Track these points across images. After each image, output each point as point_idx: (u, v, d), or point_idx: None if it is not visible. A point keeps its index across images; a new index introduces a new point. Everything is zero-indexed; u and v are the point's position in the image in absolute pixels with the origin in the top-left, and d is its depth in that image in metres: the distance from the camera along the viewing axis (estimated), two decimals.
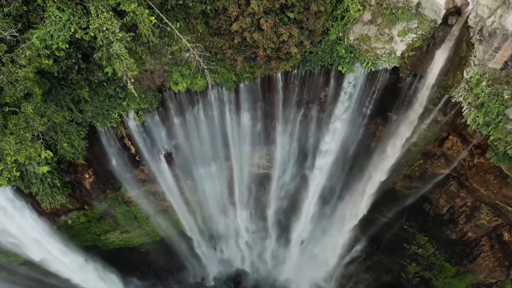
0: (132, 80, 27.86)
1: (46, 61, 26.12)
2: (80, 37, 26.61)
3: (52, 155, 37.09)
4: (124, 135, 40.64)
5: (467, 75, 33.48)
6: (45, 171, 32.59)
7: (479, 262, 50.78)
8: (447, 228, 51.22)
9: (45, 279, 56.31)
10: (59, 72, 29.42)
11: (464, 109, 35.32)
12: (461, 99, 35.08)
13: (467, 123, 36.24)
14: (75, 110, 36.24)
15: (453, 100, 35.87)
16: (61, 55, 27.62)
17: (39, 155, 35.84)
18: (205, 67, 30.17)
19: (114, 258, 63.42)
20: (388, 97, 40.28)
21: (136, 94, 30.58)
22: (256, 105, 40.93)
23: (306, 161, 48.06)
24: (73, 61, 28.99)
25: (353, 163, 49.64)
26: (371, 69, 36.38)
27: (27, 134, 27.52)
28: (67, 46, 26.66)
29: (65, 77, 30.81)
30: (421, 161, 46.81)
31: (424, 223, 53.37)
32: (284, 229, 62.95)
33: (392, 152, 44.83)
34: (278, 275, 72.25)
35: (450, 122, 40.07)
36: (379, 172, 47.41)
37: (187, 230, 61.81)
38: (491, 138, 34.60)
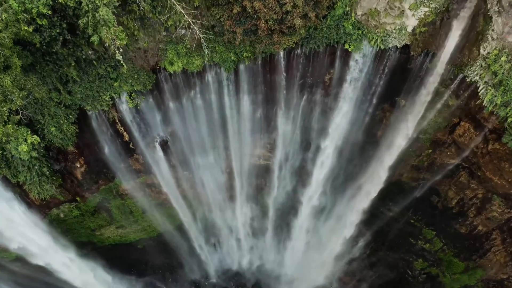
0: (121, 50, 24.90)
1: (26, 27, 23.23)
2: (63, 3, 23.62)
3: (39, 141, 34.11)
4: (117, 120, 37.70)
5: (484, 51, 30.65)
6: (27, 154, 29.44)
7: (490, 257, 47.88)
8: (456, 222, 48.29)
9: (38, 276, 52.88)
10: (42, 44, 26.52)
11: (480, 89, 32.53)
12: (476, 78, 32.24)
13: (482, 105, 33.49)
14: (63, 91, 33.36)
15: (467, 80, 33.08)
16: (44, 23, 24.78)
17: (25, 140, 32.92)
18: (201, 35, 27.11)
19: (110, 255, 60.23)
20: (397, 80, 37.43)
21: (125, 66, 27.76)
22: (256, 88, 38.05)
23: (309, 151, 45.05)
24: (57, 31, 26.09)
25: (358, 153, 46.54)
26: (379, 47, 33.54)
27: (4, 108, 24.39)
28: (49, 12, 23.77)
29: (50, 51, 27.90)
30: (430, 150, 43.85)
31: (431, 216, 50.36)
32: (286, 225, 59.94)
33: (399, 141, 41.73)
34: (280, 273, 69.02)
35: (462, 106, 37.17)
36: (385, 163, 44.32)
37: (185, 225, 58.67)
38: (509, 120, 31.57)
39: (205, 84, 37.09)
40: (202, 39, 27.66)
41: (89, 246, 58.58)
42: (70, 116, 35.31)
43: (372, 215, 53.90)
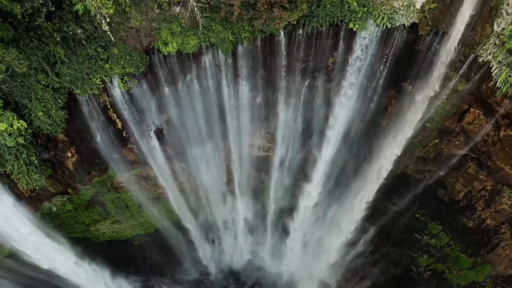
0: (108, 20, 22.54)
1: None
2: None
3: (26, 126, 31.88)
4: (108, 106, 35.39)
5: (498, 27, 28.37)
6: (12, 141, 27.15)
7: (499, 252, 45.51)
8: (464, 216, 45.91)
9: (31, 273, 50.39)
10: (24, 16, 24.16)
11: (493, 69, 30.13)
12: (489, 57, 29.94)
13: (495, 87, 31.11)
14: (50, 73, 31.08)
15: (479, 60, 30.75)
16: None
17: (11, 126, 30.64)
18: (194, 3, 24.72)
19: (106, 252, 57.77)
20: (403, 64, 35.15)
21: (113, 39, 25.37)
22: (256, 73, 35.74)
23: (311, 141, 42.64)
24: (40, 1, 23.68)
25: (362, 145, 44.17)
26: (386, 26, 31.13)
27: None
28: None
29: (33, 25, 25.65)
30: (437, 140, 41.51)
31: (438, 210, 48.00)
32: (286, 220, 57.49)
33: (405, 130, 39.43)
34: (280, 270, 66.59)
35: (473, 91, 34.87)
36: (390, 155, 41.99)
37: (182, 221, 56.27)
38: None
39: (202, 68, 34.79)
40: (196, 10, 25.19)
41: (84, 243, 56.12)
42: (59, 101, 33.01)
43: (376, 210, 51.60)
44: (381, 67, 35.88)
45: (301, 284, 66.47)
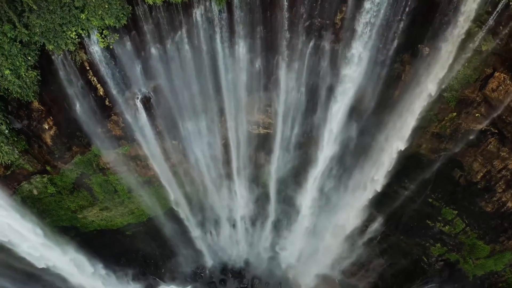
0: None
1: None
2: None
3: None
4: (87, 67, 30.57)
5: None
6: None
7: None
8: (482, 199, 41.61)
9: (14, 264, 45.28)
10: None
11: None
12: None
13: None
14: (18, 24, 26.36)
15: None
16: None
17: None
18: None
19: (96, 242, 52.71)
20: (420, 21, 30.73)
21: None
22: (254, 30, 31.08)
23: (316, 114, 37.62)
24: None
25: (372, 119, 39.20)
26: None
27: None
28: None
29: None
30: (454, 113, 36.94)
31: (453, 194, 43.27)
32: (288, 207, 52.48)
33: (420, 102, 34.59)
34: (281, 262, 61.49)
35: (499, 50, 29.99)
36: (403, 131, 37.13)
37: (176, 208, 51.20)
38: None
39: (193, 24, 29.92)
40: None
41: (71, 232, 51.08)
42: (29, 58, 28.20)
43: (384, 195, 46.77)
44: (395, 25, 31.04)
45: (302, 277, 61.30)
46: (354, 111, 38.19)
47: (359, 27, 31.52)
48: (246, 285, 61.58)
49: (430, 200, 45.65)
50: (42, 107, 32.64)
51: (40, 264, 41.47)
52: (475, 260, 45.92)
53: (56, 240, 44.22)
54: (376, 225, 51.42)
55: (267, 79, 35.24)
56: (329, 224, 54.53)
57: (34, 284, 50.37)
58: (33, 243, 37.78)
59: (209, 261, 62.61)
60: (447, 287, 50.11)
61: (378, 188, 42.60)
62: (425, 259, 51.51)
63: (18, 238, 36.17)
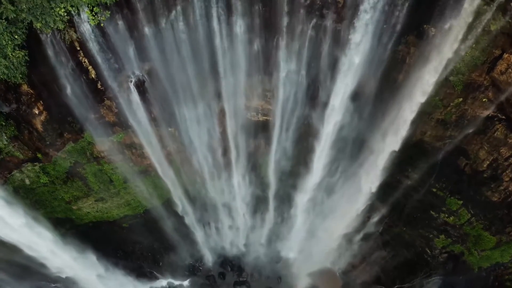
0: None
1: None
2: None
3: None
4: (77, 47, 28.98)
5: None
6: None
7: None
8: (488, 188, 40.24)
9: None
10: None
11: None
12: None
13: None
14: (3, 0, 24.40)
15: None
16: None
17: None
18: None
19: (92, 235, 51.28)
20: (426, 0, 28.55)
21: None
22: (252, 9, 29.70)
23: (317, 99, 36.06)
24: None
25: (375, 105, 37.67)
26: None
27: None
28: None
29: None
30: (460, 99, 35.34)
31: (458, 183, 41.94)
32: (287, 197, 50.99)
33: (425, 86, 33.13)
34: (280, 255, 60.06)
35: (509, 29, 28.41)
36: (406, 117, 35.68)
37: (174, 200, 49.74)
38: None
39: (189, 2, 28.15)
40: None
41: (67, 224, 49.67)
42: (16, 37, 26.66)
43: (387, 185, 45.31)
44: (400, 3, 29.41)
45: (302, 270, 59.90)
46: (356, 96, 36.59)
47: (362, 6, 29.96)
48: (245, 279, 60.19)
49: (434, 189, 44.26)
50: (31, 90, 31.13)
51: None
52: (481, 251, 44.57)
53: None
54: (378, 216, 49.90)
55: (266, 61, 33.75)
56: (329, 216, 53.04)
57: (30, 277, 49.21)
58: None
59: (207, 254, 61.26)
60: (451, 279, 48.61)
61: (379, 177, 41.10)
62: (428, 251, 50.10)
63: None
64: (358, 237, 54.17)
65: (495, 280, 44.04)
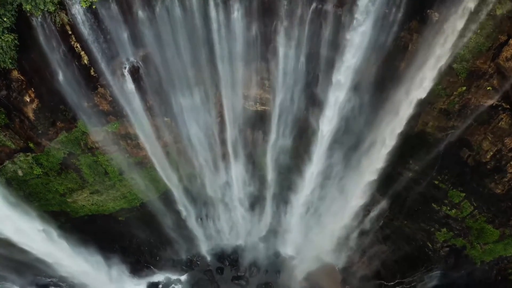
0: None
1: None
2: None
3: None
4: (69, 31, 27.92)
5: None
6: None
7: None
8: (491, 180, 39.26)
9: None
10: None
11: None
12: None
13: None
14: None
15: None
16: None
17: None
18: None
19: (88, 228, 50.32)
20: None
21: None
22: None
23: (317, 87, 35.08)
24: None
25: (375, 94, 36.73)
26: None
27: None
28: None
29: None
30: (464, 87, 34.32)
31: (460, 175, 41.01)
32: (286, 190, 49.99)
33: (428, 74, 32.22)
34: (279, 249, 59.21)
35: None
36: (408, 107, 34.80)
37: (171, 193, 48.85)
38: None
39: None
40: None
41: (62, 217, 48.71)
42: (5, 19, 25.83)
43: (387, 178, 44.44)
44: None
45: (302, 265, 59.04)
46: (357, 85, 35.63)
47: None
48: (243, 273, 59.29)
49: (436, 182, 43.33)
50: (22, 77, 30.15)
51: None
52: (483, 245, 43.67)
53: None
54: (378, 209, 49.02)
55: (264, 48, 32.73)
56: (331, 207, 52.17)
57: (26, 271, 48.46)
58: None
59: (205, 249, 60.29)
60: (453, 274, 47.78)
61: (379, 166, 40.21)
62: (429, 245, 49.24)
63: None
64: (358, 231, 53.25)
65: (498, 274, 43.21)
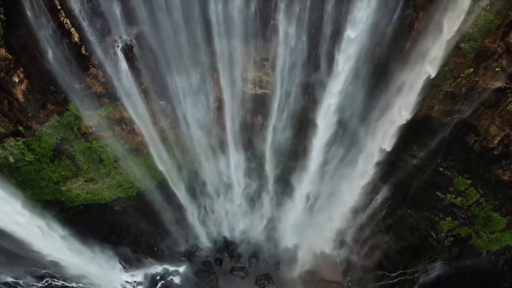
0: None
1: None
2: None
3: None
4: (58, 6, 26.40)
5: None
6: None
7: None
8: (498, 166, 38.21)
9: None
10: None
11: None
12: None
13: None
14: None
15: None
16: None
17: None
18: None
19: (83, 218, 49.02)
20: None
21: None
22: None
23: (319, 70, 33.67)
24: None
25: (379, 77, 35.36)
26: None
27: None
28: None
29: None
30: (471, 69, 32.85)
31: (466, 161, 39.80)
32: (287, 179, 48.66)
33: (434, 53, 30.79)
34: (279, 240, 57.98)
35: None
36: (414, 89, 33.47)
37: (168, 181, 47.51)
38: None
39: None
40: None
41: (56, 207, 47.40)
42: None
43: (390, 165, 43.12)
44: None
45: (302, 256, 57.86)
46: (360, 67, 34.25)
47: None
48: (242, 265, 58.10)
49: (441, 169, 42.04)
50: (10, 56, 28.77)
51: None
52: (490, 234, 42.43)
53: None
54: (381, 198, 47.75)
55: (264, 25, 31.26)
56: (333, 197, 50.90)
57: (19, 262, 47.30)
58: None
59: (203, 239, 59.07)
60: (457, 264, 46.57)
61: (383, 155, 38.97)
62: (433, 234, 48.00)
63: None
64: (360, 220, 52.00)
65: (504, 264, 42.00)
